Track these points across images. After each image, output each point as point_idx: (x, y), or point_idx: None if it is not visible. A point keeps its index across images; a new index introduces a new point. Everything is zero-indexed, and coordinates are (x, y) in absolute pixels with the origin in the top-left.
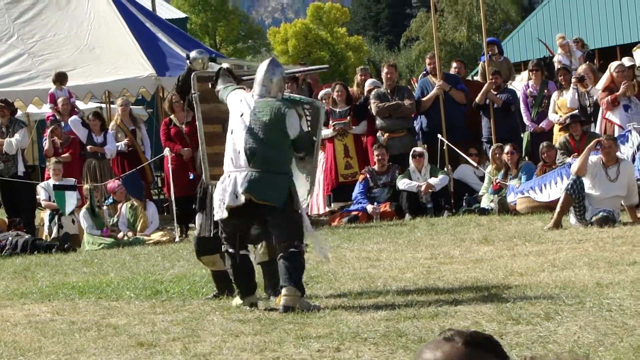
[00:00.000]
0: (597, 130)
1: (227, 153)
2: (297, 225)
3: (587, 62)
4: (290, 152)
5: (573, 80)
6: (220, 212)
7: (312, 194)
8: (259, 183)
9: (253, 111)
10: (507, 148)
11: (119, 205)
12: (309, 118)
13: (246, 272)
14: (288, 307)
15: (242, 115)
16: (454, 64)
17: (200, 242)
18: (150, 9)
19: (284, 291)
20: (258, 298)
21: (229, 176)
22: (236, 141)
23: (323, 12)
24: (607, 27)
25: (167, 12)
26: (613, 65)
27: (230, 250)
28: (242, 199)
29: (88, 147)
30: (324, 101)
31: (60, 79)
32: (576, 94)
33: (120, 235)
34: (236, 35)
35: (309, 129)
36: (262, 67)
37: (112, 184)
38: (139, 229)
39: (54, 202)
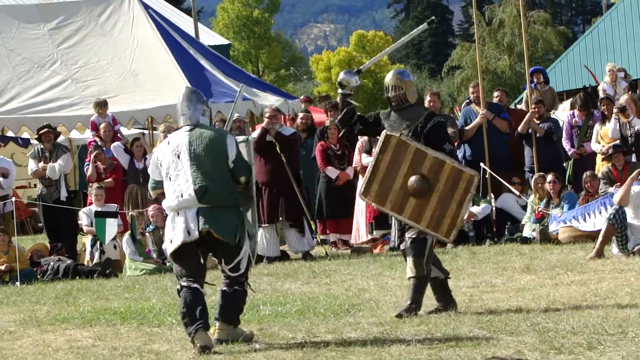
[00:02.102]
0: None
1: (169, 198)
2: (242, 260)
3: (630, 92)
4: (230, 180)
5: (615, 110)
6: (170, 250)
7: (256, 224)
8: (213, 217)
9: (189, 147)
10: (549, 177)
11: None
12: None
13: (201, 308)
14: (220, 341)
15: (178, 156)
16: (496, 93)
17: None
18: (193, 35)
19: (217, 325)
20: (211, 340)
21: (178, 214)
22: (178, 185)
23: (366, 41)
24: None
25: (210, 38)
26: None
27: (184, 284)
28: (196, 234)
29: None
30: None
31: (101, 105)
32: (618, 124)
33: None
34: (279, 63)
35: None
36: (180, 97)
37: (152, 209)
38: None
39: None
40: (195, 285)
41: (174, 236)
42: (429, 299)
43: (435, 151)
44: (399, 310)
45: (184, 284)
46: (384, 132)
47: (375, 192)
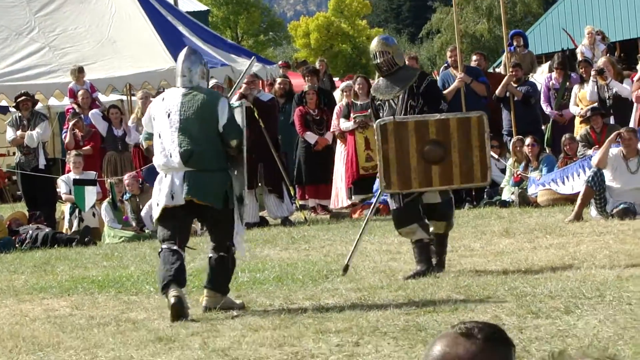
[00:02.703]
0: (632, 122)
1: (157, 156)
2: (229, 225)
3: (607, 55)
4: (222, 146)
5: (592, 72)
6: (155, 213)
7: (245, 188)
8: (198, 183)
9: (181, 109)
10: (527, 140)
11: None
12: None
13: (179, 264)
14: (208, 308)
15: (169, 115)
16: (474, 57)
17: (396, 215)
18: (171, 1)
19: (205, 292)
20: (181, 294)
21: (165, 176)
22: (166, 144)
23: (345, 5)
24: (629, 20)
25: (189, 4)
26: None
27: (165, 246)
28: (181, 199)
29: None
30: (345, 93)
31: (77, 73)
32: (595, 87)
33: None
34: (257, 28)
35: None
36: (180, 57)
37: (127, 177)
38: None
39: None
40: (176, 247)
41: (159, 199)
42: (409, 264)
43: (432, 114)
44: (436, 268)
45: (164, 246)
46: (377, 123)
47: (397, 181)
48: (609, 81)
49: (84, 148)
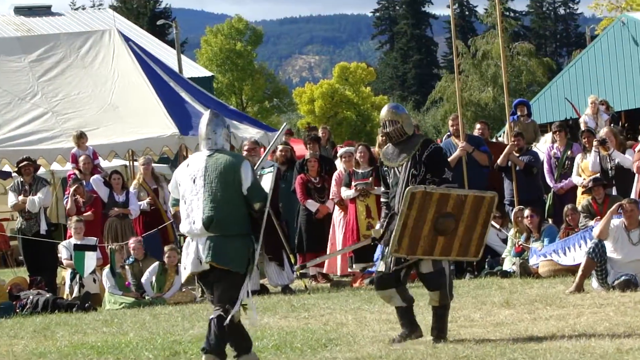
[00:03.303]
0: (634, 193)
1: (183, 222)
2: (236, 290)
3: (610, 125)
4: (245, 208)
5: (595, 143)
6: (183, 276)
7: (258, 252)
8: (220, 249)
9: (205, 173)
10: (526, 212)
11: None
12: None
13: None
14: None
15: (194, 181)
16: (478, 125)
17: (378, 278)
18: (176, 67)
19: (204, 357)
20: None
21: (192, 240)
22: (189, 210)
23: (349, 72)
24: (634, 89)
25: (194, 70)
26: None
27: (212, 316)
28: (206, 266)
29: (114, 209)
30: (343, 159)
31: (79, 138)
32: (598, 157)
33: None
34: (262, 95)
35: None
36: (204, 121)
37: (132, 241)
38: (163, 290)
39: None
40: (220, 313)
41: (187, 264)
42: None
43: (455, 189)
44: (433, 340)
45: (212, 316)
46: (408, 190)
47: (406, 246)
48: (611, 152)
49: (85, 214)
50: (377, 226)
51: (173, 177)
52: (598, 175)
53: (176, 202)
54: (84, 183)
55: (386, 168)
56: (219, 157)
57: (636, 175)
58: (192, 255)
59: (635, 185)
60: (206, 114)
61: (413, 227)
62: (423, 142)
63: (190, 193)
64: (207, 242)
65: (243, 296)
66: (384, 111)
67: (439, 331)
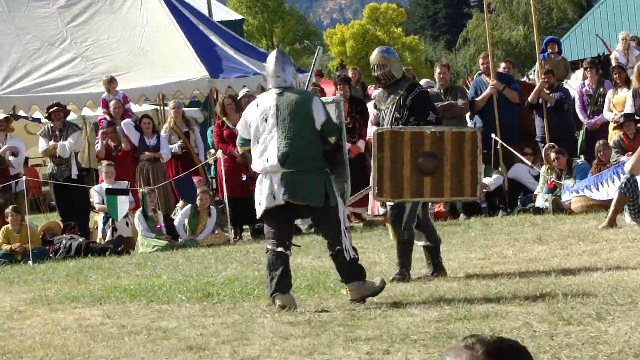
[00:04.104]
0: None
1: (256, 161)
2: (336, 222)
3: None
4: (320, 144)
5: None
6: (258, 212)
7: (348, 185)
8: (296, 184)
9: (277, 111)
10: (552, 154)
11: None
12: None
13: (282, 269)
14: (356, 300)
15: (265, 119)
16: (503, 64)
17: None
18: (206, 10)
19: (348, 287)
20: (292, 300)
21: (265, 177)
22: (263, 148)
23: (380, 13)
24: None
25: (224, 14)
26: None
27: (270, 247)
28: (281, 200)
29: (145, 153)
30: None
31: (109, 83)
32: (632, 94)
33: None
34: (293, 37)
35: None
36: (271, 59)
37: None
38: (196, 233)
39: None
40: (280, 249)
41: (261, 200)
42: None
43: (429, 126)
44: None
45: (269, 246)
46: (374, 131)
47: (389, 189)
48: None
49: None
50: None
51: (242, 117)
52: (630, 110)
53: (245, 142)
54: (117, 127)
55: (378, 111)
56: (289, 95)
57: None
58: (266, 191)
59: None
60: (273, 53)
61: (391, 169)
62: (409, 85)
63: (262, 132)
64: (283, 179)
65: (343, 226)
66: (373, 54)
67: (399, 266)
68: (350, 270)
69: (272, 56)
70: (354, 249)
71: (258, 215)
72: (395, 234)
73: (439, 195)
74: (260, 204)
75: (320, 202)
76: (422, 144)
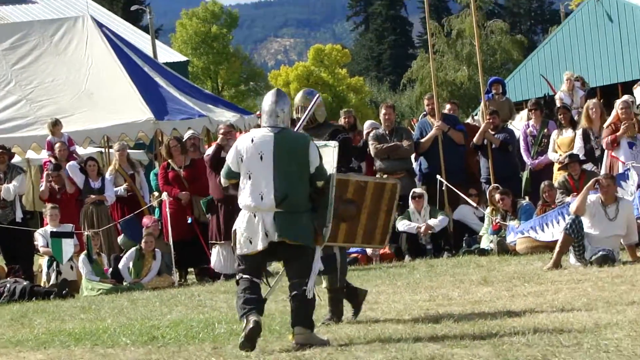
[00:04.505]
0: (603, 168)
1: (246, 197)
2: (309, 263)
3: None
4: (309, 187)
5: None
6: (246, 250)
7: (328, 229)
8: (289, 224)
9: (275, 151)
10: (497, 196)
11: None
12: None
13: (258, 295)
14: (300, 345)
15: (261, 157)
16: (448, 106)
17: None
18: (151, 52)
19: (295, 330)
20: (260, 321)
21: (255, 215)
22: (258, 186)
23: (324, 54)
24: (609, 65)
25: (169, 55)
26: (618, 102)
27: (246, 276)
28: (275, 238)
29: (89, 196)
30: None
31: (53, 125)
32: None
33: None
34: (238, 78)
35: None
36: (270, 98)
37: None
38: (141, 276)
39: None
40: (255, 279)
41: (252, 238)
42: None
43: (354, 174)
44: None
45: (245, 275)
46: None
47: None
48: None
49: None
50: None
51: (234, 149)
52: (574, 151)
53: (232, 175)
54: (62, 170)
55: None
56: (286, 136)
57: (605, 151)
58: (259, 232)
59: (604, 161)
60: (272, 92)
61: None
62: (332, 131)
63: (258, 169)
64: (276, 218)
65: (316, 268)
66: (298, 96)
67: (332, 314)
68: (307, 313)
69: (271, 95)
70: (318, 296)
71: (243, 253)
72: (331, 283)
73: (350, 241)
74: (252, 242)
75: (311, 243)
76: (345, 191)
